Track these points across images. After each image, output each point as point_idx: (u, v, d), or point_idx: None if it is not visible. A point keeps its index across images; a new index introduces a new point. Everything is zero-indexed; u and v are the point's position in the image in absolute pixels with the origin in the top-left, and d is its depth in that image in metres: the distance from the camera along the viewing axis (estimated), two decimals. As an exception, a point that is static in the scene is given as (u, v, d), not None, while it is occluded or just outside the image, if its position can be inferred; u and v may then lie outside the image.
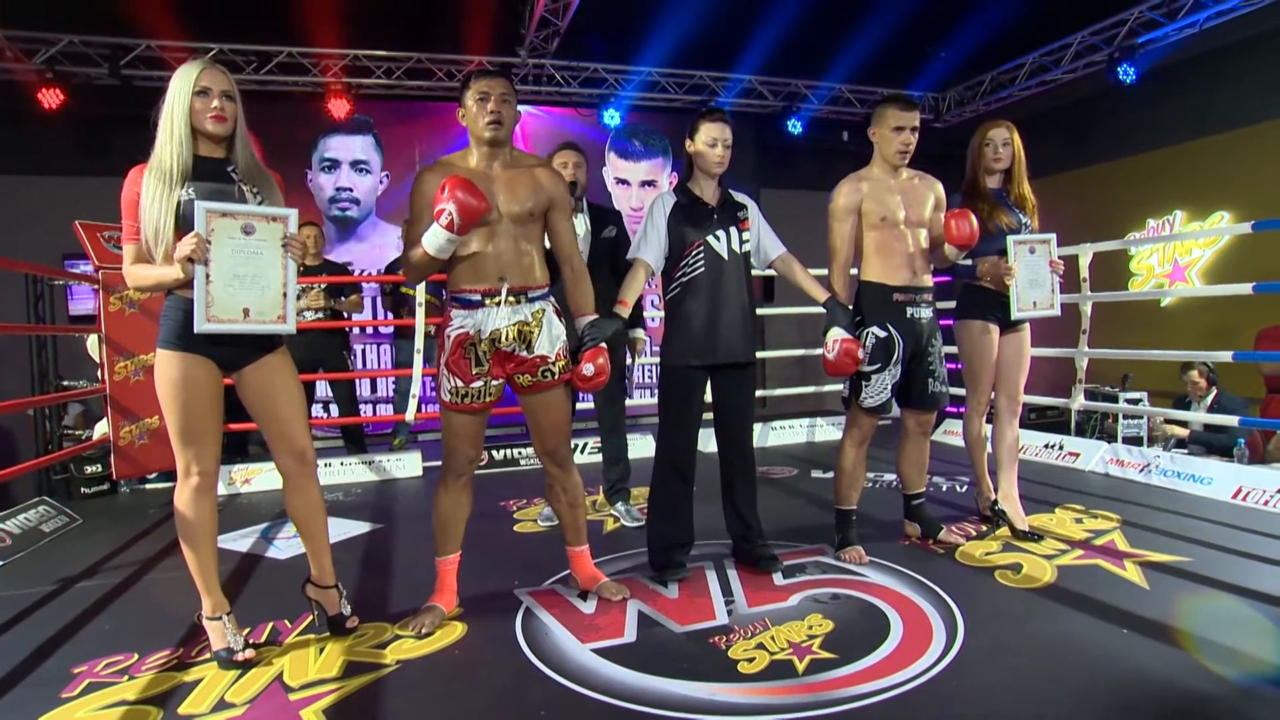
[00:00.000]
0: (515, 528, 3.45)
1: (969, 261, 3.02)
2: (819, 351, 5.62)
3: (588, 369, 2.31)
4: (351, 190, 6.90)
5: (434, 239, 2.08)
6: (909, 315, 2.72)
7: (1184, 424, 4.73)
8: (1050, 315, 3.00)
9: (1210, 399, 4.74)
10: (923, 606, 2.35)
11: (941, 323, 2.98)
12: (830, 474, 2.88)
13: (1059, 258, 3.00)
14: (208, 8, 5.95)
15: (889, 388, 2.74)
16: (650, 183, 7.57)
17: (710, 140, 2.56)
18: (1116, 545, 2.91)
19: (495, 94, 2.21)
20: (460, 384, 2.24)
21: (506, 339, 2.23)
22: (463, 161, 2.29)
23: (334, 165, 6.88)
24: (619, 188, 7.62)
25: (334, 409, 5.22)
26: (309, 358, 4.77)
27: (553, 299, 2.36)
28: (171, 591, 2.69)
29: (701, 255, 2.54)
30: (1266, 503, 3.40)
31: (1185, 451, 4.55)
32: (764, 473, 4.37)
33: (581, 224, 3.27)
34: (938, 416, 3.01)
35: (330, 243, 6.79)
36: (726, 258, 2.55)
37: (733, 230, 2.58)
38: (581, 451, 4.95)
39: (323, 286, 4.70)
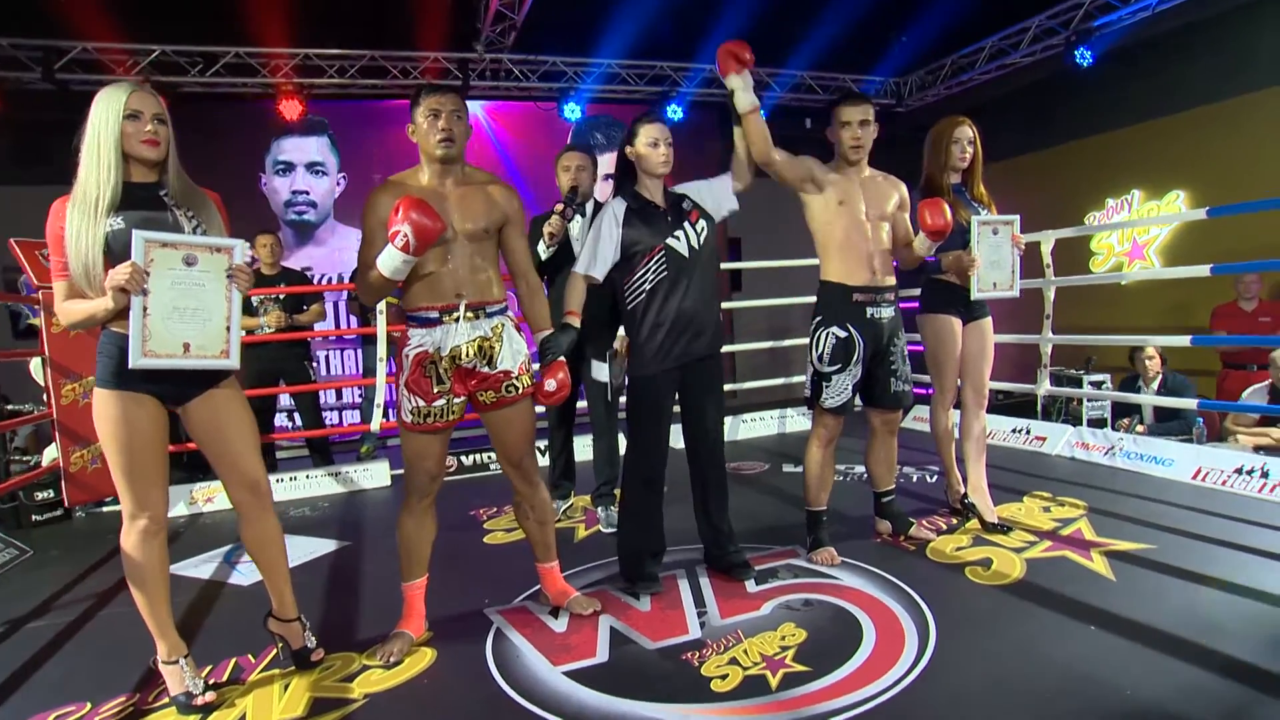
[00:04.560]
0: (485, 539, 3.40)
1: (932, 255, 3.04)
2: (788, 342, 5.87)
3: (549, 384, 2.31)
4: (308, 193, 6.75)
5: (389, 261, 2.04)
6: (869, 315, 2.71)
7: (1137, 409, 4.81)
8: (1009, 297, 3.04)
9: (1158, 380, 4.82)
10: (895, 610, 2.36)
11: (907, 306, 2.99)
12: (801, 468, 2.86)
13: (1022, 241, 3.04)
14: (148, 7, 5.73)
15: (849, 388, 2.74)
16: (614, 176, 7.51)
17: (651, 141, 2.53)
18: (1083, 534, 2.96)
19: (446, 110, 2.17)
20: (422, 404, 2.20)
21: (467, 355, 2.20)
22: (414, 179, 2.24)
23: (288, 168, 6.72)
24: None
25: (299, 418, 5.11)
26: (270, 370, 4.68)
27: (510, 313, 2.33)
28: (128, 628, 2.57)
29: (664, 258, 2.52)
30: (1224, 483, 3.49)
31: (1143, 429, 4.66)
32: (735, 469, 4.39)
33: (578, 225, 3.23)
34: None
35: (288, 248, 6.65)
36: (688, 255, 2.53)
37: (687, 226, 2.56)
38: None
39: (281, 304, 4.59)
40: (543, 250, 3.15)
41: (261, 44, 6.07)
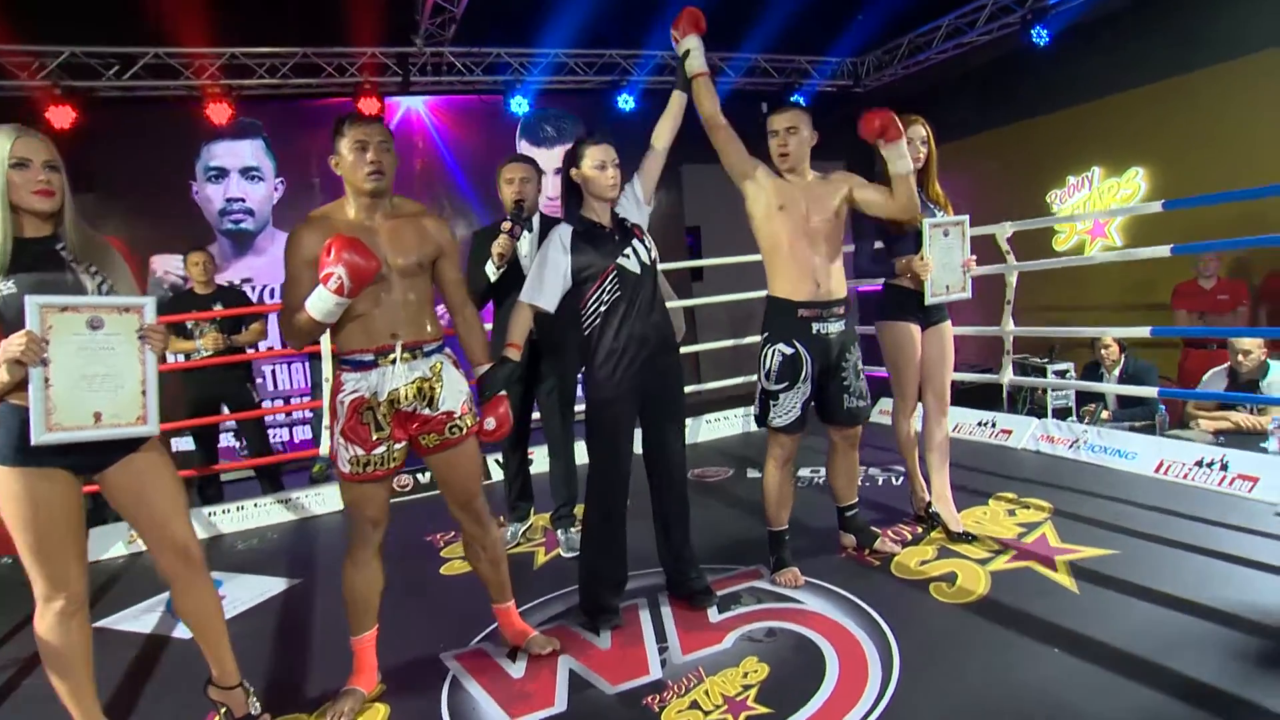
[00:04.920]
0: (442, 570, 3.36)
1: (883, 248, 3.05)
2: (751, 339, 5.86)
3: (489, 423, 2.30)
4: (243, 200, 6.56)
5: (321, 304, 1.99)
6: (815, 331, 2.70)
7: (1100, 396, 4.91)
8: (962, 298, 3.10)
9: (1119, 367, 4.91)
10: (859, 638, 2.37)
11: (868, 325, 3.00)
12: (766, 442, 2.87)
13: (972, 244, 3.09)
14: (53, 8, 5.46)
15: (798, 406, 2.74)
16: (561, 198, 7.43)
17: (598, 163, 2.50)
18: (1048, 541, 3.00)
19: (374, 142, 2.11)
20: (361, 452, 2.15)
21: (406, 398, 2.16)
22: (340, 214, 2.18)
23: (221, 174, 6.52)
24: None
25: (245, 443, 4.99)
26: (209, 395, 4.56)
27: (448, 350, 2.30)
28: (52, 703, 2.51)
29: (616, 279, 2.51)
30: (1185, 476, 3.57)
31: (1108, 415, 4.75)
32: (697, 475, 4.42)
33: (527, 242, 3.17)
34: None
35: (226, 259, 6.48)
36: (640, 272, 2.53)
37: (635, 243, 2.55)
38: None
39: (218, 324, 4.47)
40: (491, 271, 3.09)
41: (183, 44, 5.85)
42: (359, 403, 2.15)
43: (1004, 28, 6.74)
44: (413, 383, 2.17)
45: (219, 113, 6.03)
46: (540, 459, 3.86)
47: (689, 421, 5.37)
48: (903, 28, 7.45)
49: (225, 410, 4.65)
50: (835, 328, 2.74)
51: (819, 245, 2.69)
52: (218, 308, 4.53)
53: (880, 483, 3.99)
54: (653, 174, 2.66)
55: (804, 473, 4.16)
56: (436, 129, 7.01)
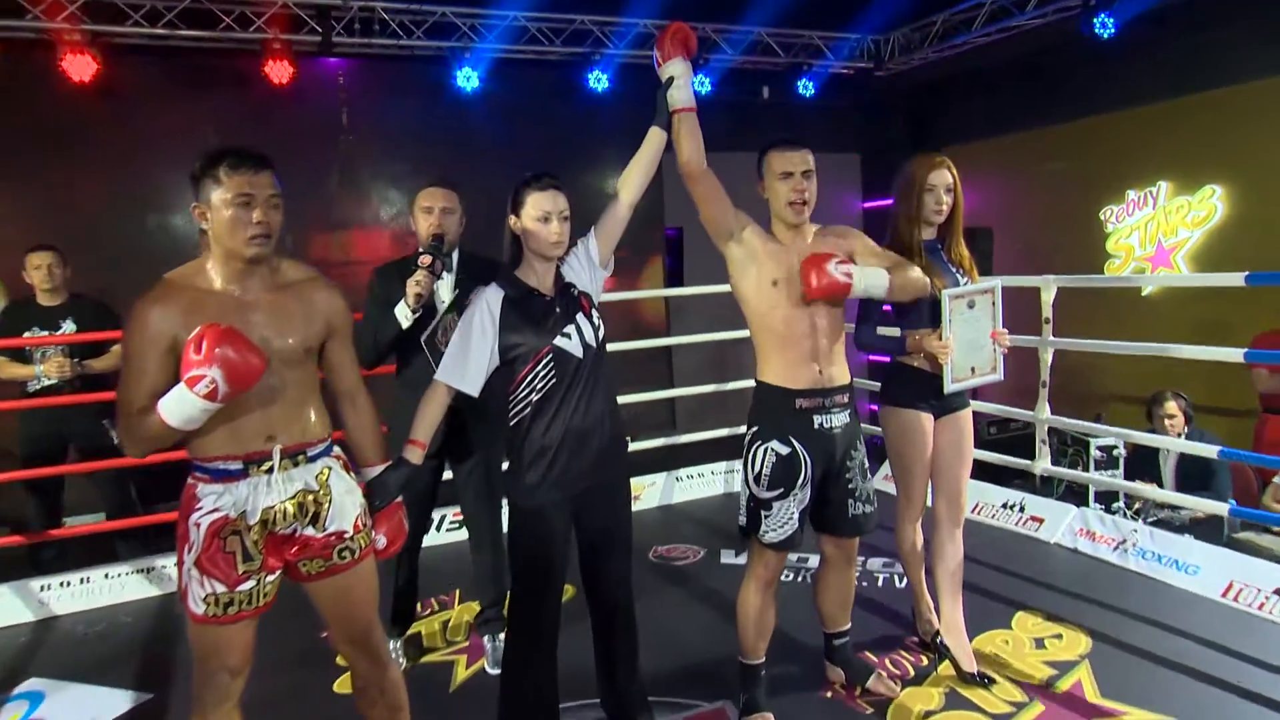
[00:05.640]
0: (335, 685, 3.22)
1: (896, 332, 3.03)
2: (732, 386, 5.80)
3: (379, 540, 2.29)
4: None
5: (182, 410, 1.89)
6: (817, 426, 2.66)
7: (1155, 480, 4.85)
8: (991, 381, 3.06)
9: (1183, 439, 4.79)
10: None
11: (869, 407, 2.93)
12: (745, 557, 2.83)
13: (1003, 325, 3.02)
14: None
15: (795, 516, 2.69)
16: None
17: (542, 215, 2.42)
18: (1084, 692, 2.95)
19: (262, 196, 2.00)
20: (222, 589, 2.04)
21: (284, 518, 2.09)
22: (204, 281, 2.06)
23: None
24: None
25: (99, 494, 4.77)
26: (52, 433, 4.40)
27: (338, 450, 2.24)
28: None
29: (551, 364, 2.44)
30: (1261, 606, 3.51)
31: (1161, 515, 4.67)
32: (664, 554, 4.44)
33: (447, 287, 3.10)
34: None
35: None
36: (582, 356, 2.46)
37: (580, 319, 2.48)
38: (439, 528, 4.81)
39: (64, 350, 4.30)
40: (405, 316, 3.00)
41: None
42: (220, 525, 2.04)
43: (1060, 12, 6.72)
44: (293, 497, 2.09)
45: (80, 67, 5.71)
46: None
47: (658, 479, 5.58)
48: (938, 2, 7.44)
49: (72, 454, 4.47)
50: (840, 420, 2.70)
51: (821, 323, 2.66)
52: (68, 324, 4.36)
53: (880, 583, 3.93)
54: (614, 231, 2.59)
55: (789, 558, 4.06)
56: (364, 102, 6.87)
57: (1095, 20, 6.36)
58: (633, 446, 5.49)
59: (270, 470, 2.06)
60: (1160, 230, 7.03)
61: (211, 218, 2.01)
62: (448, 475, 3.37)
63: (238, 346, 1.87)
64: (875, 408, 3.38)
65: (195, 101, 6.25)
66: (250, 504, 2.05)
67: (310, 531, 2.12)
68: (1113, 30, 6.39)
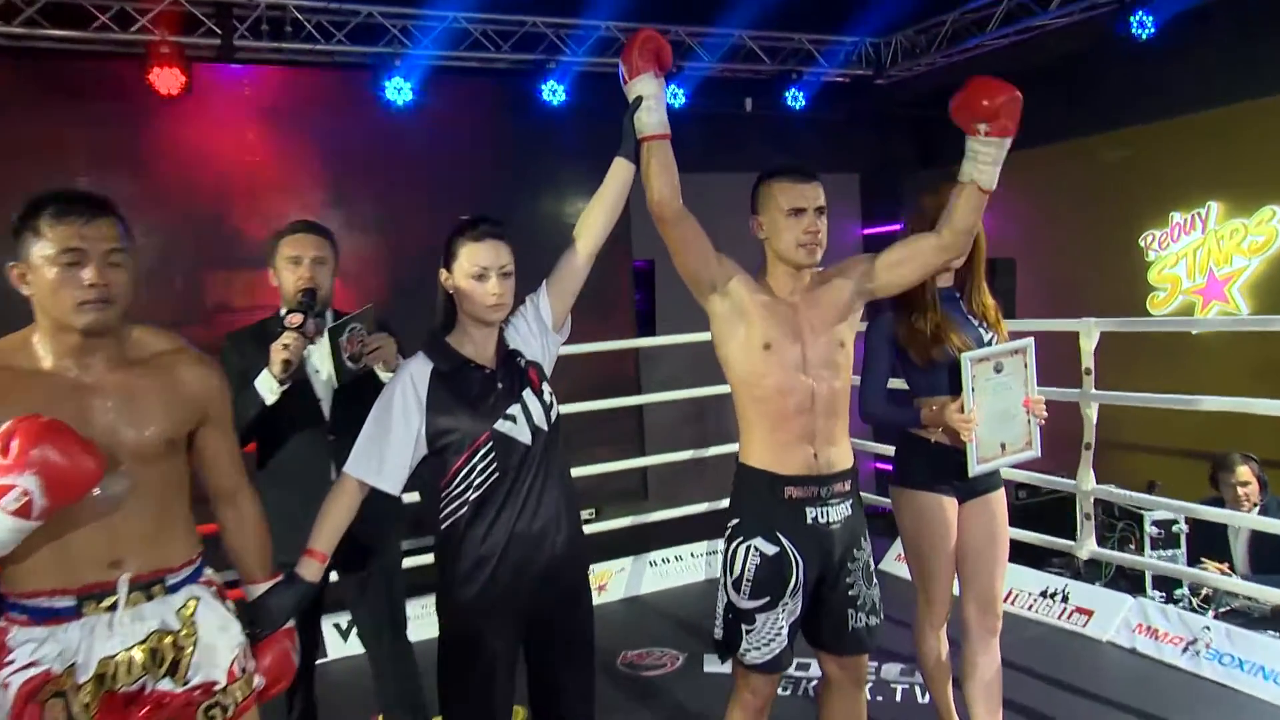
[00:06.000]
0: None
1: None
2: (714, 451, 5.58)
3: (256, 680, 2.08)
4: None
5: None
6: (811, 520, 2.53)
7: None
8: (1026, 459, 3.00)
9: (1257, 510, 4.61)
10: None
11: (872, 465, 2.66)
12: (729, 666, 2.73)
13: (1037, 392, 2.93)
14: None
15: (784, 630, 2.52)
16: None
17: (478, 270, 2.28)
18: None
19: (97, 251, 1.81)
20: None
21: (129, 671, 1.87)
22: (24, 359, 1.87)
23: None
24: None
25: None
26: None
27: (209, 572, 2.07)
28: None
29: (492, 453, 2.29)
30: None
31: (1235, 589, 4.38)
32: (634, 661, 4.27)
33: (322, 355, 2.87)
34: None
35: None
36: (530, 442, 2.32)
37: (528, 396, 2.34)
38: (344, 636, 4.48)
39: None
40: (270, 389, 2.73)
41: None
42: (38, 685, 1.80)
43: (1090, 9, 6.76)
44: (143, 641, 1.89)
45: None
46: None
47: (627, 564, 5.43)
48: (946, 2, 7.52)
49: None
50: (840, 513, 2.57)
51: (821, 394, 2.54)
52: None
53: (899, 695, 3.74)
54: (570, 286, 2.47)
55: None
56: (273, 118, 6.70)
57: (1132, 19, 6.45)
58: (597, 525, 5.42)
59: (114, 608, 1.86)
60: (1211, 258, 7.12)
61: (33, 280, 1.83)
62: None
63: (62, 445, 1.70)
64: (879, 465, 3.12)
65: (58, 115, 6.04)
66: (83, 654, 1.85)
67: (166, 686, 1.91)
68: (1152, 30, 6.47)
